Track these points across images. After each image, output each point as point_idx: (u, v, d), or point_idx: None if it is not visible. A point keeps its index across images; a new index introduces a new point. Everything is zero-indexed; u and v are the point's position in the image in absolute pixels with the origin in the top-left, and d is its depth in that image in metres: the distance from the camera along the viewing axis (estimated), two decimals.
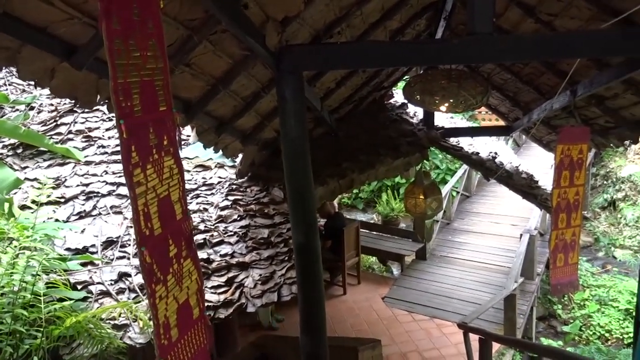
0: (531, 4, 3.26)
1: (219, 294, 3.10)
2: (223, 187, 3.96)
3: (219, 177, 4.08)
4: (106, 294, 2.92)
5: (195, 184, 4.03)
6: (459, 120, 7.01)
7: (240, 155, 3.84)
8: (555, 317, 10.31)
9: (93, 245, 3.24)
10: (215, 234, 3.50)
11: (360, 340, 4.26)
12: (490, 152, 5.44)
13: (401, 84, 5.12)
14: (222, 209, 3.72)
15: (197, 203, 3.79)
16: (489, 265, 8.53)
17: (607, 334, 8.92)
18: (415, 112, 5.31)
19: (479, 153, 5.32)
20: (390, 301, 7.53)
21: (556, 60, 3.67)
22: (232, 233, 3.52)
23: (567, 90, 3.61)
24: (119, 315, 2.74)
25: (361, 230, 8.29)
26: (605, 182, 14.35)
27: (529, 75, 4.22)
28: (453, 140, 5.21)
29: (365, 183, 4.66)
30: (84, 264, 3.05)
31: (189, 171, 4.15)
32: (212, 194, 3.96)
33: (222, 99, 2.86)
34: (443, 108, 3.45)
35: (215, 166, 4.30)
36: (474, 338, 4.79)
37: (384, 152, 4.48)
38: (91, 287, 2.93)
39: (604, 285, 10.25)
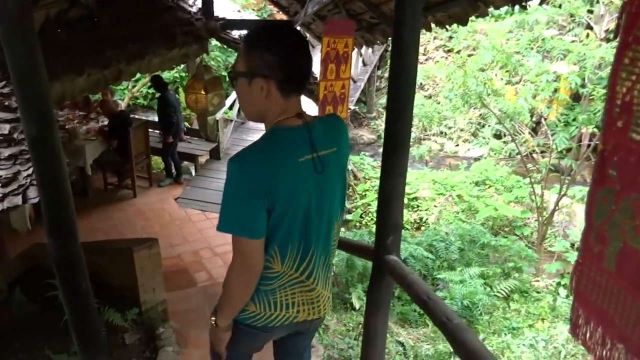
0: None
1: None
2: None
3: None
4: None
5: None
6: (245, 14, 6.79)
7: None
8: None
9: None
10: None
11: (136, 241, 4.11)
12: None
13: None
14: None
15: None
16: None
17: None
18: (195, 0, 4.95)
19: None
20: (183, 202, 7.44)
21: None
22: None
23: None
24: None
25: (152, 130, 7.88)
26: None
27: None
28: (235, 34, 5.02)
29: (135, 75, 4.28)
30: None
31: None
32: None
33: None
34: None
35: None
36: None
37: (157, 42, 4.12)
38: None
39: None
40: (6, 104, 3.17)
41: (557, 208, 8.81)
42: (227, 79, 9.93)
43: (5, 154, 2.92)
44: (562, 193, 8.57)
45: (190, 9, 4.73)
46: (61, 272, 2.53)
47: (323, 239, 1.72)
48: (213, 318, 1.76)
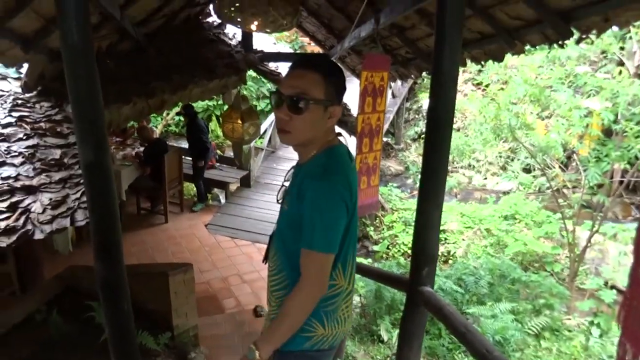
0: None
1: (0, 220, 2.77)
2: (6, 102, 3.45)
3: (1, 91, 3.54)
4: None
5: None
6: (281, 47, 6.99)
7: (26, 66, 3.36)
8: (368, 238, 11.32)
9: None
10: None
11: (171, 266, 4.18)
12: None
13: None
14: (4, 126, 3.26)
15: None
16: None
17: (408, 250, 10.06)
18: (235, 34, 5.14)
19: None
20: (213, 228, 7.55)
21: None
22: (17, 153, 3.12)
23: (372, 19, 3.75)
24: None
25: (184, 157, 8.06)
26: (416, 116, 15.78)
27: (340, 0, 4.29)
28: (272, 65, 5.17)
29: (177, 104, 4.43)
30: None
31: None
32: None
33: None
34: (253, 27, 3.36)
35: None
36: None
37: (199, 73, 4.29)
38: None
39: (409, 208, 11.37)
40: (58, 130, 3.33)
41: (589, 245, 8.63)
42: (270, 106, 10.01)
43: (56, 178, 3.06)
44: (594, 229, 8.40)
45: (230, 42, 4.91)
46: (105, 294, 2.61)
47: (356, 245, 1.79)
48: (257, 352, 1.57)
